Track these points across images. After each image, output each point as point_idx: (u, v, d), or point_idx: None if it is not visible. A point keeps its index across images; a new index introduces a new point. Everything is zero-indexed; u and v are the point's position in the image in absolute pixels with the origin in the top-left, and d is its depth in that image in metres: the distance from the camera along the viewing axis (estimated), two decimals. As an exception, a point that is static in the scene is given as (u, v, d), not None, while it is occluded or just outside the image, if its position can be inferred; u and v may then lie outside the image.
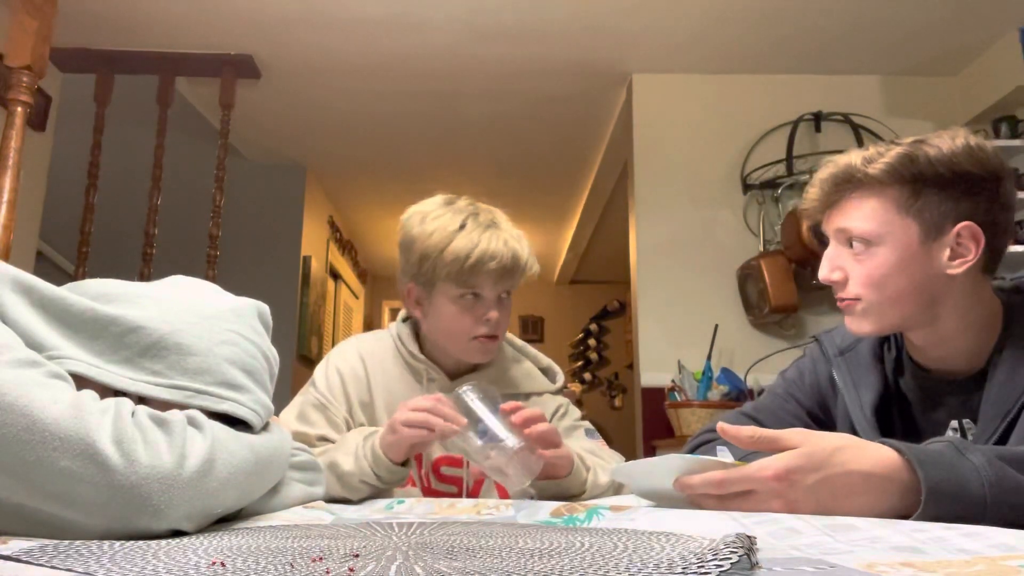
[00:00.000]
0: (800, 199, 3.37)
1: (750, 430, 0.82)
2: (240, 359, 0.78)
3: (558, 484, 1.09)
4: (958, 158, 0.97)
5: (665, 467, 0.82)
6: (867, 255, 1.00)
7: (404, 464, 1.09)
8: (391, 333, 1.36)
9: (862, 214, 1.00)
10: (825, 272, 1.05)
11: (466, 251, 1.21)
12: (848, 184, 1.02)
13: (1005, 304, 1.02)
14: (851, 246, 1.02)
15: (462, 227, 1.23)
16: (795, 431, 0.81)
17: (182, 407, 0.71)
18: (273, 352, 0.86)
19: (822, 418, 1.17)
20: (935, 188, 0.97)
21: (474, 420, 1.04)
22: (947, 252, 0.98)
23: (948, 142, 0.98)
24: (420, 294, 1.30)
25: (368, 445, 1.09)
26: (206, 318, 0.78)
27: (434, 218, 1.26)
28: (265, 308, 0.88)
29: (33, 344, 0.69)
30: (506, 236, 1.25)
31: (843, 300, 1.04)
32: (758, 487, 0.75)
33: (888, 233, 0.99)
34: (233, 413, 0.74)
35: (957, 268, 0.98)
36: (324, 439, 1.22)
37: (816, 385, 1.17)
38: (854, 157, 1.03)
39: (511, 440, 1.00)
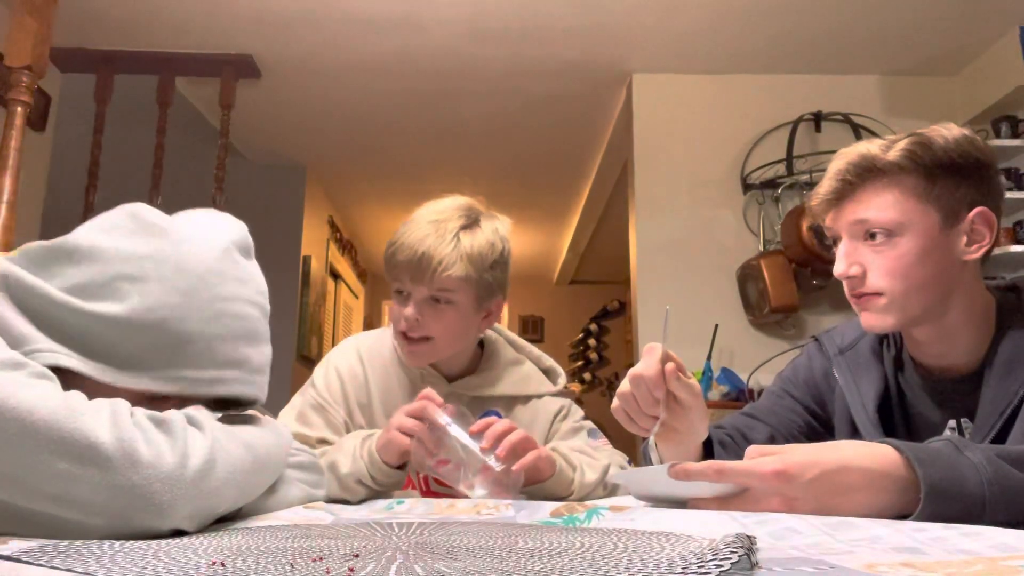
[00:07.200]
0: (801, 199, 3.41)
1: (715, 464, 0.77)
2: (232, 330, 0.74)
3: (543, 487, 1.09)
4: (963, 145, 0.99)
5: (667, 474, 0.82)
6: (888, 246, 0.99)
7: (401, 468, 1.09)
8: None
9: (882, 203, 0.99)
10: (843, 268, 1.02)
11: (391, 241, 1.21)
12: (868, 173, 1.00)
13: (999, 302, 1.02)
14: (869, 239, 1.00)
15: (408, 222, 1.22)
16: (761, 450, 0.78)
17: (182, 397, 0.71)
18: (261, 285, 0.80)
19: (819, 413, 1.17)
20: (949, 174, 0.98)
21: (451, 445, 1.04)
22: (963, 239, 0.99)
23: (947, 131, 1.00)
24: None
25: (366, 447, 1.08)
26: (189, 293, 0.73)
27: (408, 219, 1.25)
28: (241, 232, 0.81)
29: (13, 340, 0.68)
30: (428, 232, 1.18)
31: (863, 296, 1.02)
32: (757, 483, 0.75)
33: (910, 221, 0.98)
34: (236, 396, 0.73)
35: (975, 253, 0.99)
36: (323, 441, 1.21)
37: (811, 380, 1.17)
38: (868, 146, 1.01)
39: (483, 462, 1.02)
